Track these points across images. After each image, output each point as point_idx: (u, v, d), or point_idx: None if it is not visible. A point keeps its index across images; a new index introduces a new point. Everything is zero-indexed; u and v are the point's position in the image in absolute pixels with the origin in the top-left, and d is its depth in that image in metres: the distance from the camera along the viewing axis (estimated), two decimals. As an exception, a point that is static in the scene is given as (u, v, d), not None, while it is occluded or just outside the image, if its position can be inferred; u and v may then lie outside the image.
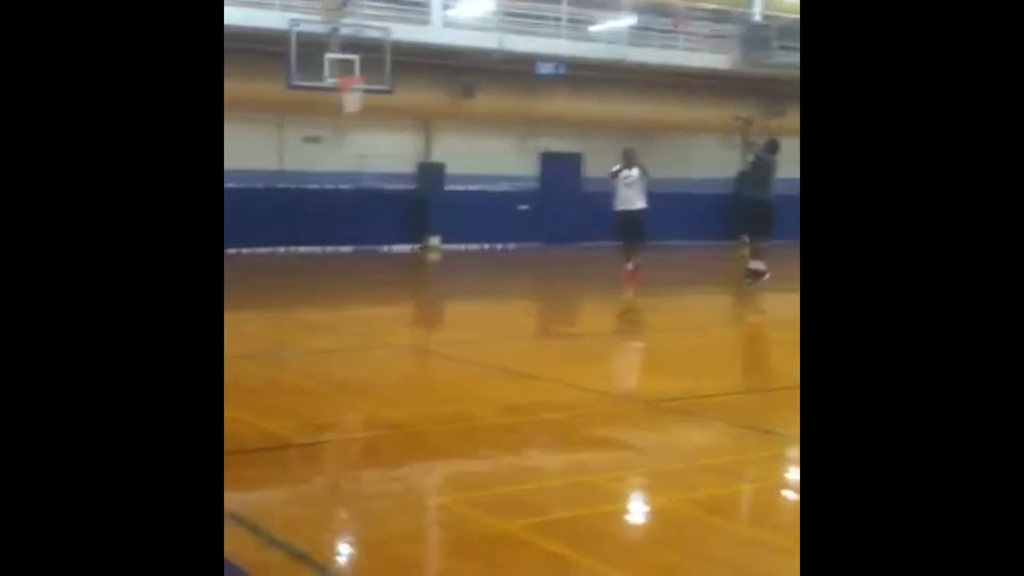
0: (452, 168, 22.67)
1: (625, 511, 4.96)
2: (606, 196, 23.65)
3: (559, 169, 24.16)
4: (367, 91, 17.78)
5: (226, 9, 18.26)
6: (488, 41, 19.58)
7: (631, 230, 14.36)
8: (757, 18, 22.62)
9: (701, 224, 25.75)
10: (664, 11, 21.67)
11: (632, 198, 14.30)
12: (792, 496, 5.31)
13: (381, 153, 21.61)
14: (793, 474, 5.75)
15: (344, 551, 4.33)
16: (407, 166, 22.64)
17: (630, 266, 14.25)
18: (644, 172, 14.36)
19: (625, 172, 14.48)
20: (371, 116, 19.28)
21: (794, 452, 6.18)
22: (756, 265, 14.45)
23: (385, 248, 21.97)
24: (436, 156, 22.71)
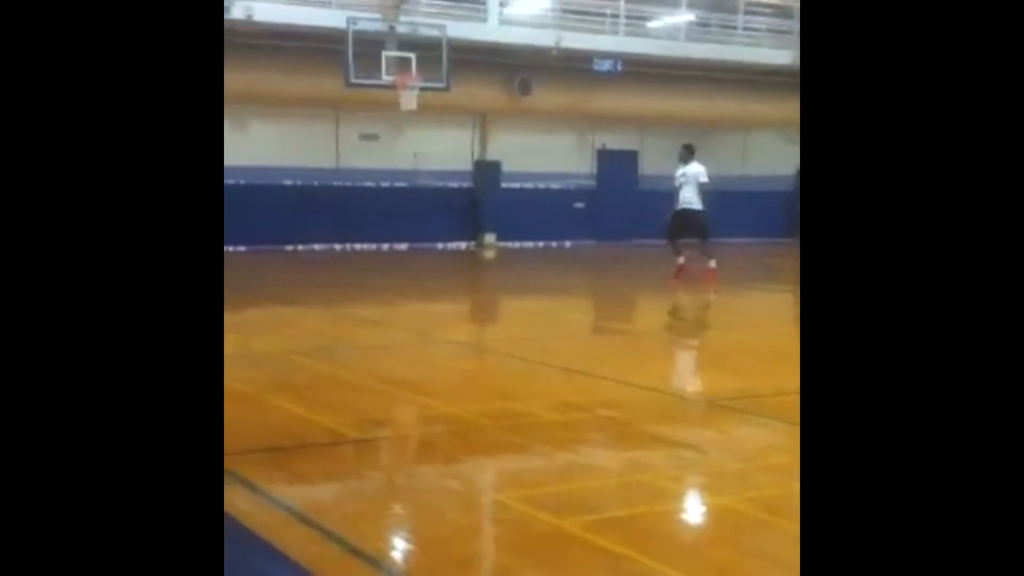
0: (508, 165, 22.69)
1: (681, 510, 4.91)
2: (662, 195, 23.55)
3: (615, 166, 24.08)
4: (424, 88, 17.86)
5: (285, 8, 18.45)
6: (545, 38, 19.57)
7: (691, 229, 14.20)
8: (817, 13, 22.32)
9: (760, 220, 25.52)
10: (722, 6, 21.50)
11: (688, 198, 14.16)
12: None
13: (437, 150, 21.72)
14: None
15: (399, 546, 4.34)
16: (463, 163, 22.71)
17: (712, 264, 14.21)
18: (689, 169, 14.20)
19: (681, 170, 14.30)
20: (427, 114, 19.37)
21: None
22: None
23: (440, 245, 22.05)
24: (492, 154, 22.74)
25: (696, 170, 14.14)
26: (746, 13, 21.66)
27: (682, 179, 14.21)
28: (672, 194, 14.56)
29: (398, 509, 4.81)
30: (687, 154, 14.33)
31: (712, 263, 14.26)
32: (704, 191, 14.24)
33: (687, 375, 8.08)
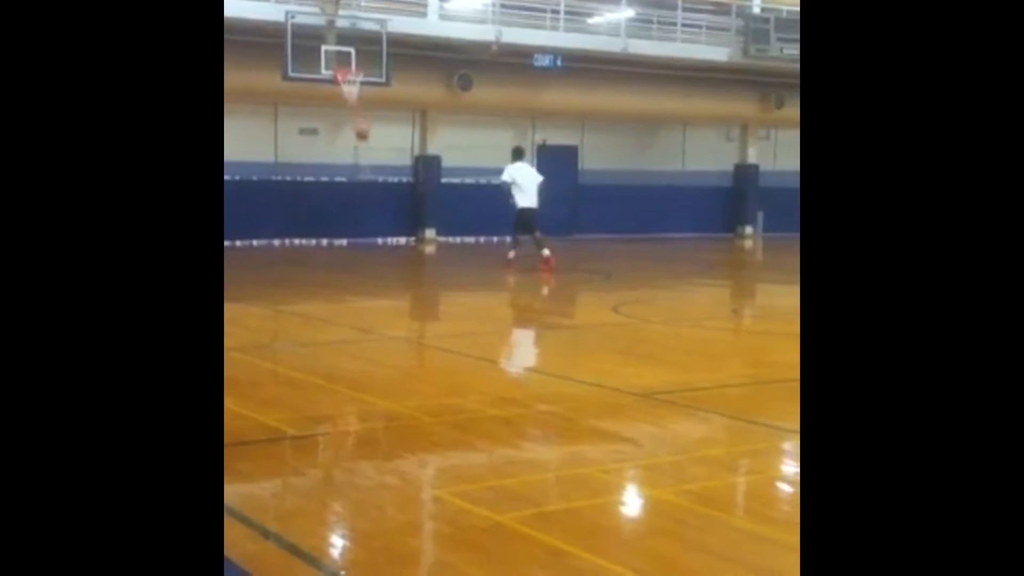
0: (448, 160, 22.64)
1: (620, 503, 4.95)
2: (603, 189, 23.68)
3: (556, 162, 24.14)
4: (364, 83, 17.74)
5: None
6: (485, 33, 19.55)
7: (530, 226, 15.85)
8: (756, 11, 22.58)
9: (700, 216, 25.76)
10: (662, 3, 21.65)
11: (531, 197, 15.74)
12: (787, 488, 5.30)
13: (377, 145, 21.60)
14: (788, 466, 5.75)
15: (338, 543, 4.32)
16: (403, 158, 22.61)
17: (547, 252, 15.73)
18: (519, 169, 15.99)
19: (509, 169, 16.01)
20: (368, 108, 19.25)
21: (788, 444, 6.18)
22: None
23: (381, 241, 21.95)
24: (433, 149, 22.68)
25: (529, 171, 15.99)
26: (685, 10, 21.81)
27: (514, 177, 15.79)
28: (506, 192, 15.99)
29: (337, 506, 4.79)
30: (516, 156, 16.25)
31: (547, 251, 15.81)
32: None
33: (626, 369, 8.14)
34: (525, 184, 15.81)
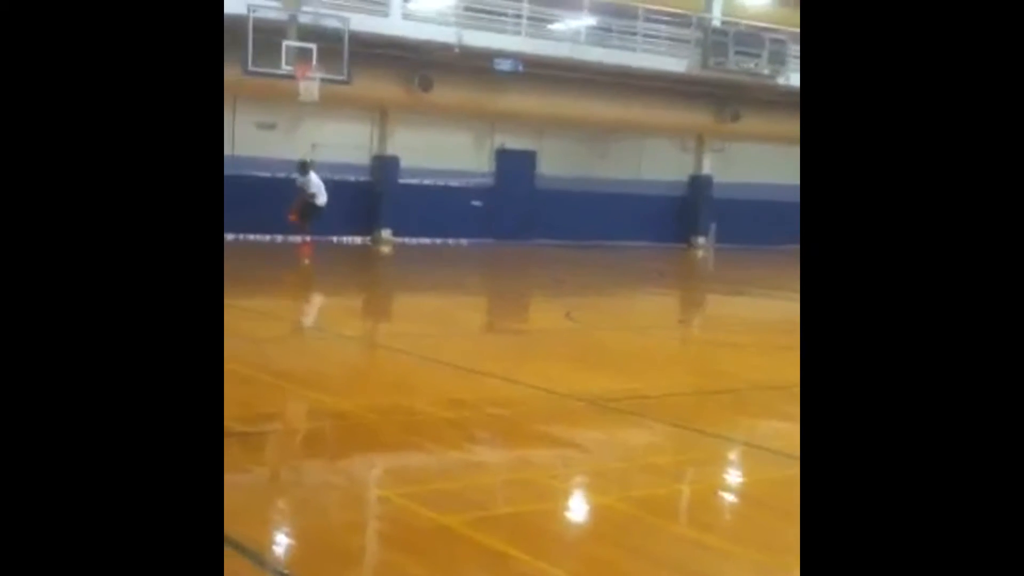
0: (407, 161, 22.61)
1: (565, 508, 4.99)
2: (560, 195, 23.77)
3: (514, 166, 24.19)
4: (324, 80, 17.69)
5: (183, -8, 18.10)
6: (447, 35, 19.56)
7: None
8: (716, 23, 22.79)
9: (653, 225, 25.93)
10: (623, 12, 21.79)
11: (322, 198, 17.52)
12: (729, 497, 5.38)
13: (335, 143, 21.51)
14: (731, 475, 5.83)
15: (283, 541, 4.32)
16: (361, 157, 22.55)
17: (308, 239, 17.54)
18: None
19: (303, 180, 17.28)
20: (327, 106, 19.19)
21: (732, 454, 6.26)
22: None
23: (336, 239, 21.86)
24: (391, 149, 22.63)
25: (318, 181, 17.45)
26: (646, 20, 21.97)
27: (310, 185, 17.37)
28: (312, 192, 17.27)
29: (282, 504, 4.79)
30: (305, 169, 17.51)
31: (308, 238, 17.60)
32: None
33: (576, 375, 8.19)
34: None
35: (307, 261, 17.24)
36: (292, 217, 17.76)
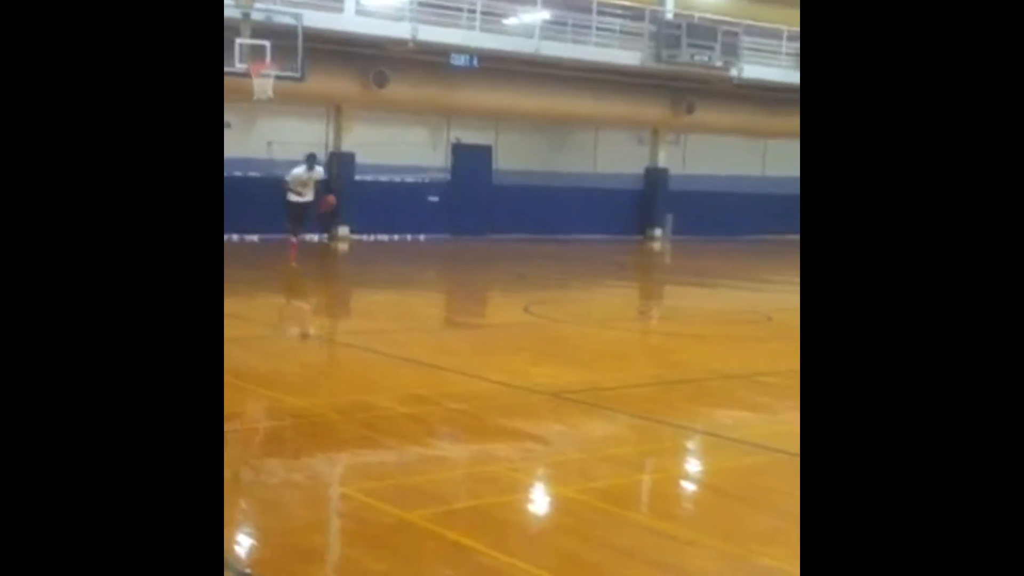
0: (363, 157, 22.53)
1: (527, 501, 5.01)
2: (517, 189, 23.81)
3: (470, 161, 24.18)
4: (278, 77, 17.57)
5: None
6: (401, 31, 19.51)
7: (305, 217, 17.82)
8: (669, 16, 22.91)
9: (611, 218, 26.03)
10: (577, 6, 21.84)
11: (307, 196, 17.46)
12: (690, 486, 5.42)
13: (291, 140, 21.39)
14: (692, 465, 5.88)
15: (244, 541, 4.29)
16: (317, 154, 22.43)
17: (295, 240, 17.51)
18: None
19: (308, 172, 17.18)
20: (282, 103, 19.06)
21: (692, 443, 6.31)
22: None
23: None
24: (347, 145, 22.54)
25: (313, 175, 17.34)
26: (599, 13, 22.04)
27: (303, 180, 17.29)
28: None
29: (243, 503, 4.76)
30: (312, 162, 17.49)
31: (295, 239, 17.58)
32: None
33: (535, 368, 8.21)
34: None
35: (294, 264, 16.88)
36: (323, 207, 17.89)
